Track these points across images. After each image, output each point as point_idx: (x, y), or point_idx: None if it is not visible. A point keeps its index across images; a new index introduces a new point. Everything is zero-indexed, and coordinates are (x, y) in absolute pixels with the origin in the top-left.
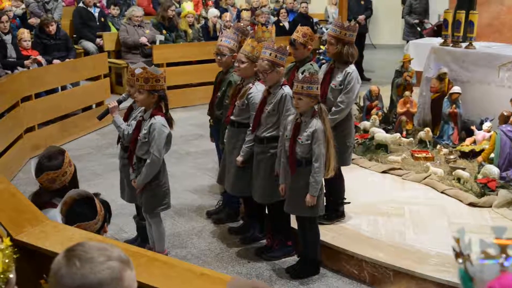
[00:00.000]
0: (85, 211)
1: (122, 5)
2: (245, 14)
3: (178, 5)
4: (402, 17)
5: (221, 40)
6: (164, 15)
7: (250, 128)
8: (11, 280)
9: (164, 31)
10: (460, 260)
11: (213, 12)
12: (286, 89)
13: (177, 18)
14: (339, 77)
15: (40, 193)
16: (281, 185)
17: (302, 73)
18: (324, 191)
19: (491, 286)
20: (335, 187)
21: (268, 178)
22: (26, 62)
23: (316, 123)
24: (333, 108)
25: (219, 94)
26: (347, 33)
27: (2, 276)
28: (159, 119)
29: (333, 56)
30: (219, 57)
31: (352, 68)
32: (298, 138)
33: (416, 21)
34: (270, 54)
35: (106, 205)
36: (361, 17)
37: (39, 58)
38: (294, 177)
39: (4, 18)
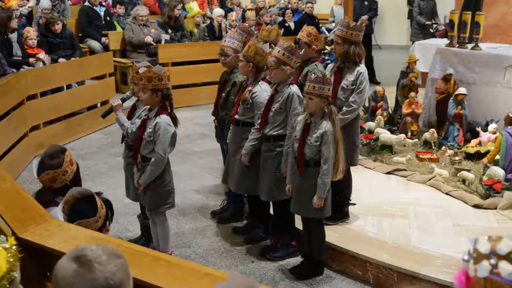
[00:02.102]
0: (86, 209)
1: (128, 4)
2: (250, 14)
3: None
4: (408, 18)
5: (224, 41)
6: (171, 14)
7: (254, 127)
8: (16, 279)
9: (169, 31)
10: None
11: (217, 11)
12: (294, 88)
13: (183, 17)
14: (350, 77)
15: (42, 192)
16: (288, 185)
17: (308, 74)
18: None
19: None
20: (343, 187)
21: (274, 176)
22: (31, 60)
23: (326, 125)
24: (344, 108)
25: (223, 94)
26: (353, 33)
27: (8, 276)
28: (164, 118)
29: (340, 56)
30: (223, 58)
31: (363, 68)
32: (307, 139)
33: (429, 22)
34: (279, 52)
35: (108, 203)
36: (364, 18)
37: (42, 56)
38: (302, 178)
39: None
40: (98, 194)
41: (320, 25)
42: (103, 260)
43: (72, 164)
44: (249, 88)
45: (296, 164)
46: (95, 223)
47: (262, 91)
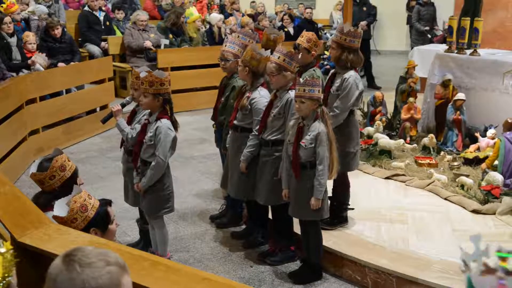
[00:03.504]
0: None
1: (127, 9)
2: (246, 20)
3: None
4: (407, 24)
5: (225, 46)
6: (177, 22)
7: (253, 133)
8: (11, 284)
9: (170, 36)
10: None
11: (216, 17)
12: (292, 94)
13: (185, 24)
14: (337, 83)
15: (40, 195)
16: (284, 190)
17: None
18: (329, 194)
19: None
20: (340, 192)
21: (273, 180)
22: (30, 61)
23: (319, 126)
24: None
25: (222, 99)
26: (347, 39)
27: (4, 282)
28: (165, 122)
29: (334, 61)
30: (223, 63)
31: (350, 73)
32: (302, 142)
33: (427, 28)
34: (279, 57)
35: (103, 214)
36: (363, 23)
37: (35, 57)
38: (299, 181)
39: (7, 19)
40: (106, 201)
41: (325, 31)
42: (86, 263)
43: (64, 170)
44: (247, 94)
45: (291, 168)
46: (71, 223)
47: (261, 97)
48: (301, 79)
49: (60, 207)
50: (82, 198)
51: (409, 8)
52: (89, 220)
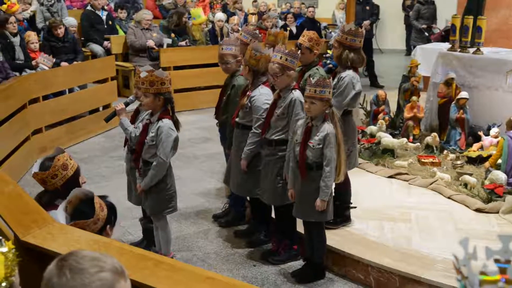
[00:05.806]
0: (89, 211)
1: (130, 9)
2: (252, 18)
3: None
4: (404, 23)
5: (222, 49)
6: (179, 23)
7: (252, 131)
8: (14, 284)
9: (172, 35)
10: (459, 277)
11: (218, 16)
12: (296, 94)
13: (189, 25)
14: (334, 81)
15: (43, 194)
16: (290, 190)
17: (310, 77)
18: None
19: None
20: (341, 191)
21: (276, 180)
22: (34, 62)
23: (328, 127)
24: None
25: (224, 98)
26: (348, 38)
27: (6, 282)
28: (166, 122)
29: (335, 60)
30: (223, 66)
31: (347, 73)
32: (309, 143)
33: (424, 26)
34: (281, 58)
35: (111, 207)
36: (366, 23)
37: (40, 59)
38: (304, 182)
39: (12, 19)
40: (103, 197)
41: (330, 30)
42: (78, 269)
43: (66, 169)
44: (248, 92)
45: (298, 168)
46: (94, 225)
47: (261, 95)
48: (312, 79)
49: (58, 215)
50: (97, 203)
51: (405, 8)
52: (106, 219)
